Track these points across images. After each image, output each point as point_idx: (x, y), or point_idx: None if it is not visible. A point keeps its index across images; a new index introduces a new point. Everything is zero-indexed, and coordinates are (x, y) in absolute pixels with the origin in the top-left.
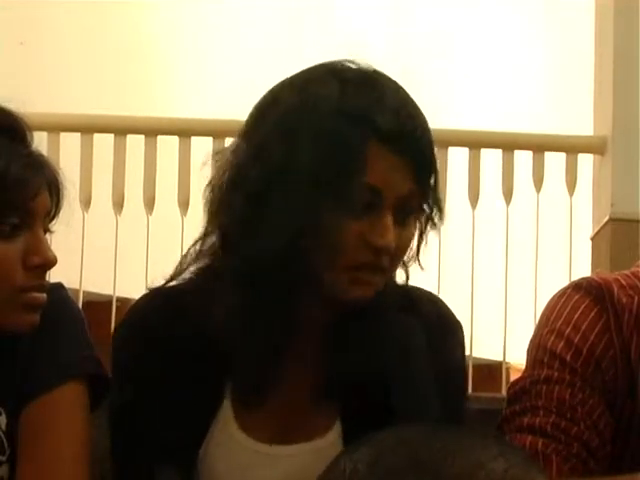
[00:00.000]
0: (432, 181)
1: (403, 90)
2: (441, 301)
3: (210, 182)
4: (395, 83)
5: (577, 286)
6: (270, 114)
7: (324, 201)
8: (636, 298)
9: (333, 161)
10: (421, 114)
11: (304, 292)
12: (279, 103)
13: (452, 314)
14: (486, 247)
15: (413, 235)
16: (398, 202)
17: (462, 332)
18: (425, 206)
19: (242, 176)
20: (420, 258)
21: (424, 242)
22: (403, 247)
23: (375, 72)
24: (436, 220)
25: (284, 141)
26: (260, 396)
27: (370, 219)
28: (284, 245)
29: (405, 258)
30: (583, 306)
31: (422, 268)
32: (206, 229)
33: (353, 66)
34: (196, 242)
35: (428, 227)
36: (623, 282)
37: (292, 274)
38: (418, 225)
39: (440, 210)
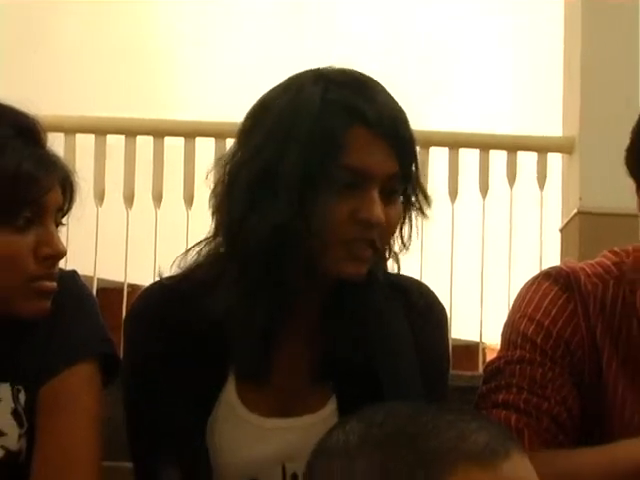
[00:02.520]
0: (413, 168)
1: (386, 89)
2: (428, 289)
3: (214, 186)
4: (379, 83)
5: (547, 275)
6: (262, 119)
7: (314, 185)
8: (601, 286)
9: (318, 147)
10: (402, 109)
11: (298, 274)
12: (270, 107)
13: (438, 301)
14: (464, 238)
15: (400, 214)
16: (383, 182)
17: (446, 318)
18: (411, 194)
19: (241, 175)
20: (408, 244)
21: (411, 227)
22: (391, 223)
23: (360, 73)
24: (423, 207)
25: (277, 140)
26: (261, 375)
27: (358, 198)
28: (280, 227)
29: (396, 248)
30: (552, 293)
31: (398, 252)
32: (212, 227)
33: (337, 67)
34: (206, 239)
35: (414, 213)
36: (589, 271)
37: (287, 256)
38: (406, 212)
39: (426, 197)
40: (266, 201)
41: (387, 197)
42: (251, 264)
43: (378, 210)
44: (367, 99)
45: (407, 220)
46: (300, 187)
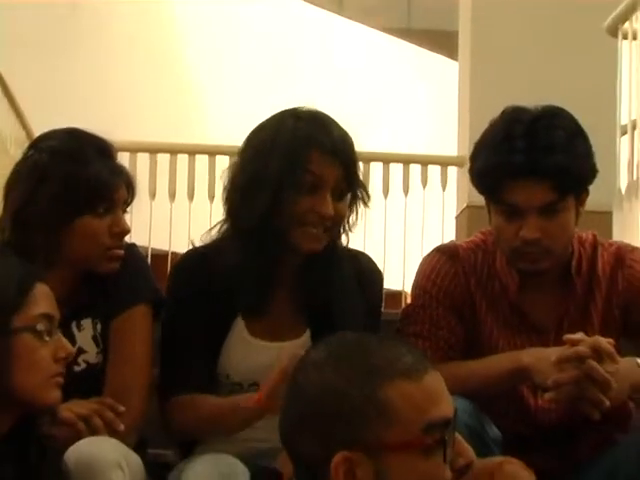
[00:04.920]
0: (356, 175)
1: (335, 121)
2: (371, 259)
3: (224, 187)
4: (331, 117)
5: (438, 250)
6: (253, 142)
7: (286, 185)
8: (473, 256)
9: (290, 162)
10: (347, 134)
11: (278, 244)
12: (258, 135)
13: (378, 268)
14: (393, 223)
15: (347, 208)
16: (333, 185)
17: (382, 276)
18: (356, 192)
19: (238, 179)
20: (354, 227)
21: (357, 214)
22: (340, 214)
23: (320, 112)
24: (365, 200)
25: (262, 156)
26: (258, 313)
27: (316, 196)
28: (267, 211)
29: (348, 228)
30: (442, 261)
31: (351, 231)
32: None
33: (305, 108)
34: (220, 223)
35: (360, 205)
36: (465, 246)
37: (269, 231)
38: (353, 205)
39: (367, 193)
40: (254, 196)
41: (338, 197)
42: (246, 237)
43: (329, 207)
44: (323, 131)
45: (354, 211)
46: (276, 189)
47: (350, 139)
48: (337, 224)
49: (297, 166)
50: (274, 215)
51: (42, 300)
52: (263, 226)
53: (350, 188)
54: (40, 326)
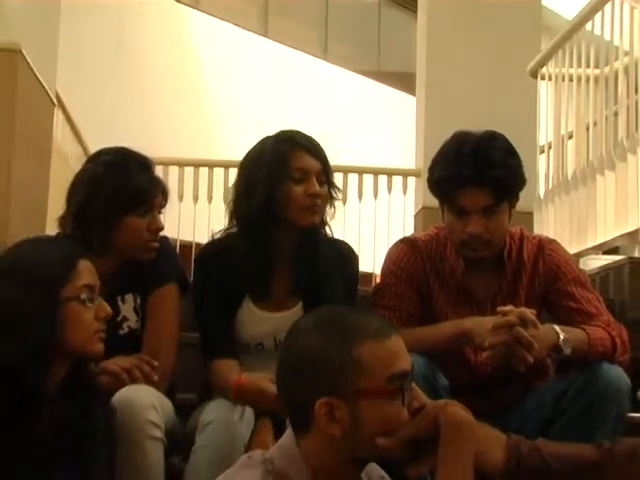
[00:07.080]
0: (331, 173)
1: (310, 136)
2: (349, 245)
3: (229, 193)
4: (305, 133)
5: (400, 240)
6: (248, 156)
7: (280, 178)
8: (429, 245)
9: (278, 161)
10: (320, 144)
11: (279, 230)
12: (251, 151)
13: (354, 252)
14: (366, 219)
15: (328, 194)
16: (316, 176)
17: (357, 259)
18: (332, 191)
19: (238, 183)
20: (333, 218)
21: (334, 210)
22: (324, 197)
23: (296, 130)
24: (338, 195)
25: (254, 163)
26: (260, 293)
27: (305, 183)
28: (264, 203)
29: (328, 221)
30: (404, 250)
31: (332, 219)
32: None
33: (287, 128)
34: (227, 226)
35: (335, 199)
36: (423, 238)
37: (265, 222)
38: (330, 201)
39: (339, 189)
40: (252, 194)
41: (320, 184)
42: (248, 231)
43: (317, 188)
44: (301, 136)
45: (332, 207)
46: (269, 183)
47: (321, 145)
48: (323, 204)
49: (286, 165)
50: (270, 207)
51: (85, 273)
52: (260, 218)
53: (327, 182)
54: (83, 295)
